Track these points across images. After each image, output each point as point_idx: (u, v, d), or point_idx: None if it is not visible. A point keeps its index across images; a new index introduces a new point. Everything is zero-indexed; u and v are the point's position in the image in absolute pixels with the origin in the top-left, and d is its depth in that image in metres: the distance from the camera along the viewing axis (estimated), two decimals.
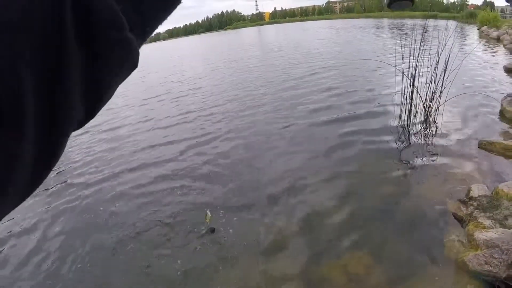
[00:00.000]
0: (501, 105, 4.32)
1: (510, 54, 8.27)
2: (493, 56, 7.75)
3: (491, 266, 1.84)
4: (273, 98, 6.49)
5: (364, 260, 2.19)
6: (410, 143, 3.83)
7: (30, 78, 0.17)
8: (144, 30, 0.24)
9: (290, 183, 3.26)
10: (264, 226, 2.67)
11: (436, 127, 4.08)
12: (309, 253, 2.31)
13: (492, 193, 2.61)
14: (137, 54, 0.24)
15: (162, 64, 18.92)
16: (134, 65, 0.24)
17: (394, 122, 4.36)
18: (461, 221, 2.42)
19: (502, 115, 4.14)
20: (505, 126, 3.85)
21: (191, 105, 6.85)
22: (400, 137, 3.99)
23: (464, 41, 11.01)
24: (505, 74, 6.00)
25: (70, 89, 0.20)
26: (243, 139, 4.49)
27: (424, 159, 3.44)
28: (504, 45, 10.09)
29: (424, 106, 4.22)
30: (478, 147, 3.45)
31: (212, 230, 2.62)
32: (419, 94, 4.23)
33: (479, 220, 2.30)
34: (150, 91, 9.40)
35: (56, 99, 0.19)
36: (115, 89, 0.25)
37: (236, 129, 4.96)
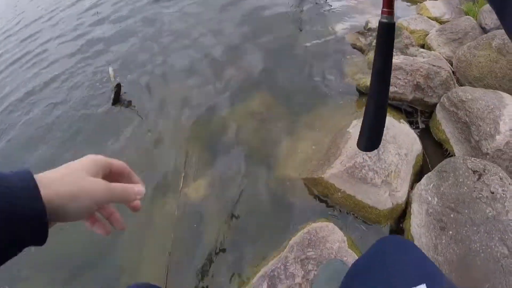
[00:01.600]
0: None
1: None
2: None
3: (396, 87, 1.54)
4: None
5: (267, 100, 1.86)
6: None
7: None
8: None
9: (196, 42, 2.59)
10: (174, 82, 2.19)
11: None
12: (216, 100, 1.95)
13: None
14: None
15: None
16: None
17: None
18: (361, 50, 2.09)
19: None
20: None
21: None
22: None
23: None
24: None
25: None
26: None
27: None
28: None
29: None
30: None
31: (118, 87, 2.16)
32: None
33: None
34: None
35: None
36: None
37: None
